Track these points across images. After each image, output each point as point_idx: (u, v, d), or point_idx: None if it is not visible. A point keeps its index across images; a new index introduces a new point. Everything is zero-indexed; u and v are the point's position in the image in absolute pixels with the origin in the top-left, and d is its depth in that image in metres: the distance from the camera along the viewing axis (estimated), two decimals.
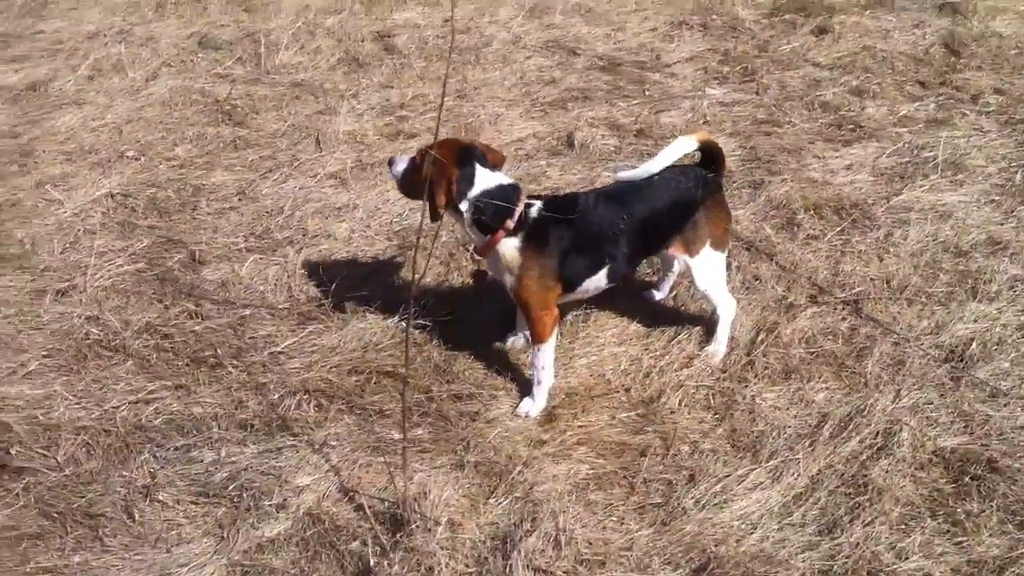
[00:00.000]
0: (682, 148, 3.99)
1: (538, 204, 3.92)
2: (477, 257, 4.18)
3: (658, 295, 4.68)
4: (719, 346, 4.29)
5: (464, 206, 3.87)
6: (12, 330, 4.63)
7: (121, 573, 3.45)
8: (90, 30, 8.08)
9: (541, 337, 3.96)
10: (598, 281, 4.04)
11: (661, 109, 6.36)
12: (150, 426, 4.08)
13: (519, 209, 3.85)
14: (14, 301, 4.83)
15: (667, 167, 3.99)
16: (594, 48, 7.27)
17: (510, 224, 3.84)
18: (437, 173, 3.76)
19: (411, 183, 3.99)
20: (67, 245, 5.27)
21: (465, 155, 3.88)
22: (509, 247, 3.88)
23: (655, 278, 4.74)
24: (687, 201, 4.03)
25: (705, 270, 4.14)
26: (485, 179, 3.88)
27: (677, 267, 4.51)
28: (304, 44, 7.45)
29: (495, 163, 3.99)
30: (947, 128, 5.90)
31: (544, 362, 4.01)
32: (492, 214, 3.85)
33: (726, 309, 4.26)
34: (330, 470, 3.80)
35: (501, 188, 3.88)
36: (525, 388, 4.14)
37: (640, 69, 6.94)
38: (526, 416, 4.04)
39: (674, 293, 4.67)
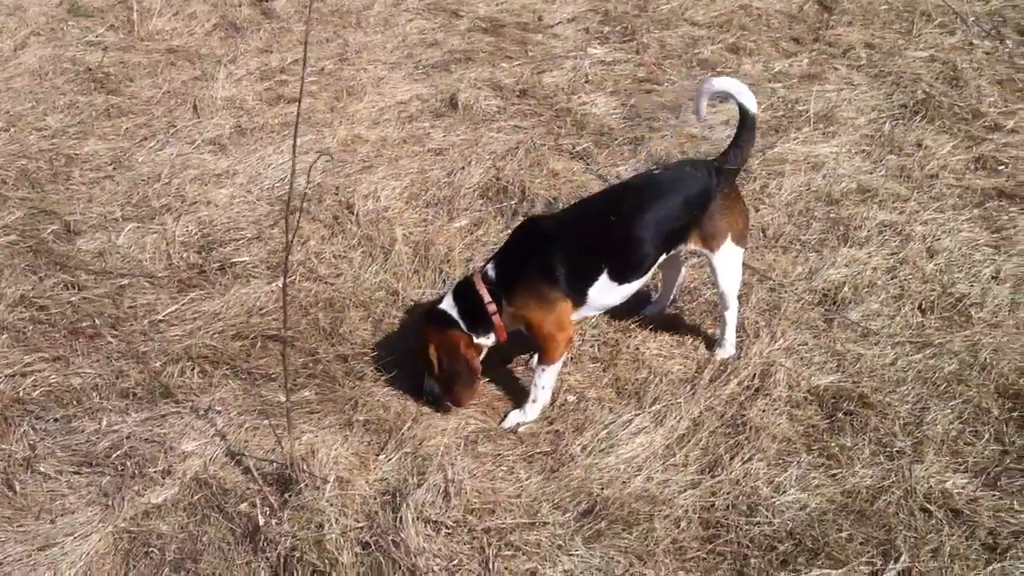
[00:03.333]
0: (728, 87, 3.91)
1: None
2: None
3: (655, 309, 4.37)
4: (729, 348, 4.10)
5: (481, 340, 3.84)
6: None
7: (4, 545, 3.38)
8: None
9: (552, 357, 3.81)
10: (605, 289, 3.79)
11: (543, 70, 6.38)
12: (28, 399, 3.98)
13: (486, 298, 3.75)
14: None
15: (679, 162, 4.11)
16: (476, 10, 7.24)
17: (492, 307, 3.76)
18: (452, 360, 3.76)
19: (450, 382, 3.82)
20: None
21: (440, 319, 3.82)
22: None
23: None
24: (698, 192, 3.80)
25: (727, 267, 3.92)
26: (456, 310, 3.80)
27: (681, 277, 4.34)
28: (178, 10, 7.24)
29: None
30: (819, 82, 6.06)
31: (547, 381, 3.86)
32: (476, 318, 3.79)
33: (734, 311, 4.04)
34: (216, 435, 3.76)
35: (466, 298, 3.80)
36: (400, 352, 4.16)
37: (522, 30, 6.95)
38: (513, 428, 3.86)
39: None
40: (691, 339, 4.18)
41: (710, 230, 3.83)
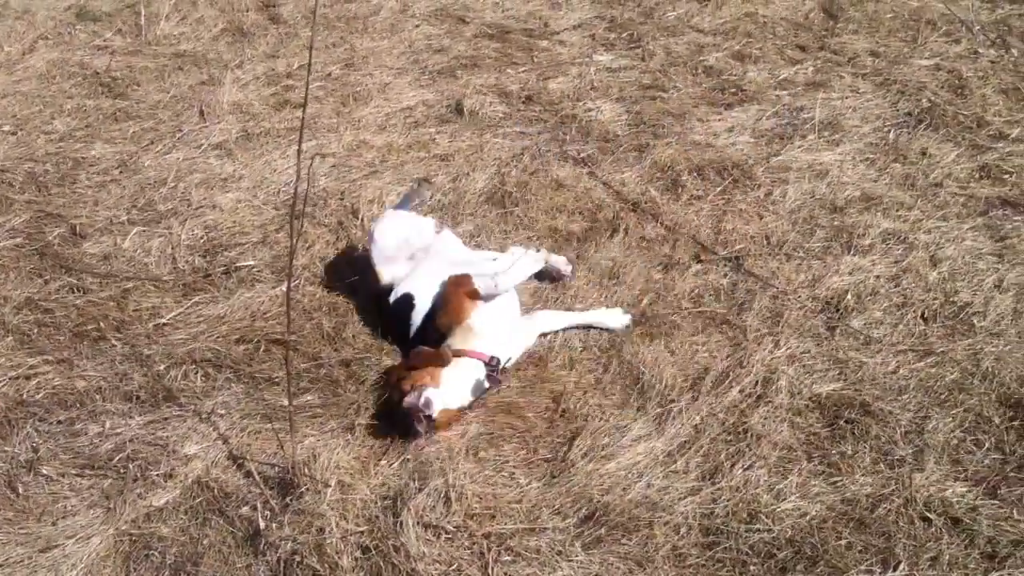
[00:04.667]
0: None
1: None
2: None
3: None
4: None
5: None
6: None
7: (6, 547, 3.41)
8: None
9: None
10: None
11: (549, 76, 6.39)
12: (32, 401, 4.01)
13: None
14: None
15: None
16: (482, 16, 7.26)
17: None
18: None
19: None
20: None
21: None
22: None
23: None
24: None
25: None
26: None
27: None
28: (186, 15, 7.29)
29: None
30: (825, 90, 6.05)
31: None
32: None
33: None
34: (218, 438, 3.78)
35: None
36: None
37: (528, 37, 6.96)
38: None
39: None
40: (693, 347, 4.18)
41: None
